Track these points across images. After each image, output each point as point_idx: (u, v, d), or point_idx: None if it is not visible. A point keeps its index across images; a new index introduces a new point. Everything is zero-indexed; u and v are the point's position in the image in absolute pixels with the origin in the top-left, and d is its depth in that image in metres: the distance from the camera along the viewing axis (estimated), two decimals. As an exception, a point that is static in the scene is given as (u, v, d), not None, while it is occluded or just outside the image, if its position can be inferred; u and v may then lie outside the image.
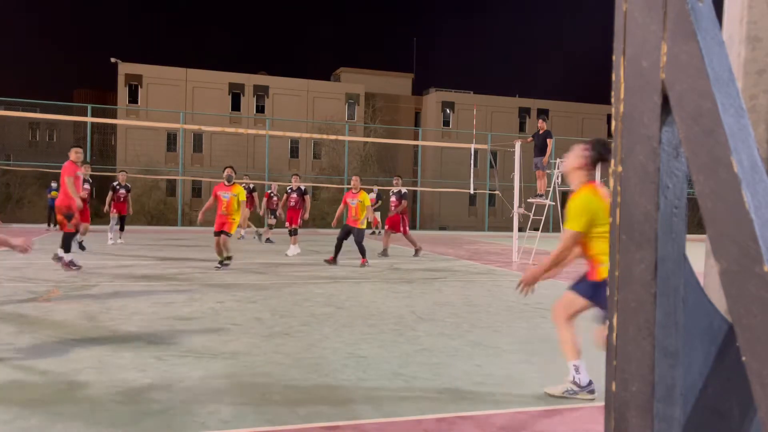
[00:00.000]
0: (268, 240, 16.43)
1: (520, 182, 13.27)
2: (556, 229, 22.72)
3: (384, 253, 13.19)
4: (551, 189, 13.67)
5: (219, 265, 9.93)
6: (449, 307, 6.92)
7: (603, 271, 3.54)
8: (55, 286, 7.74)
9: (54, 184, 21.16)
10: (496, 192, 21.80)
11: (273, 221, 16.88)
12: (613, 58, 0.91)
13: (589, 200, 3.58)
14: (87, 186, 12.43)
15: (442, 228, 38.29)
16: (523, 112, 47.34)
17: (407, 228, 13.50)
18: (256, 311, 6.38)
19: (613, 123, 0.92)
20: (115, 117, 37.02)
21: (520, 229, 13.94)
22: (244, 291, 7.75)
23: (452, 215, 43.23)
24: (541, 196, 13.36)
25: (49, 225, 20.98)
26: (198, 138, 40.99)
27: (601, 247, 3.56)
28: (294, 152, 42.90)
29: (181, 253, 12.93)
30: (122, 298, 7.01)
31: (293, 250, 12.93)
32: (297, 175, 14.02)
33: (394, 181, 14.22)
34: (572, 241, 3.56)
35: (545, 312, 6.84)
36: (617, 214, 0.90)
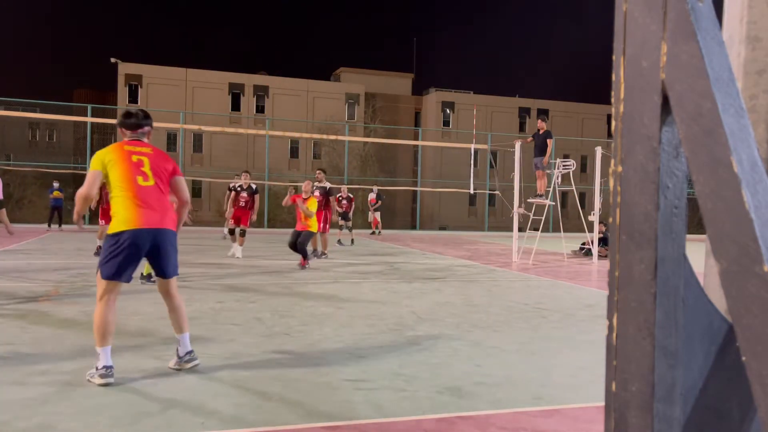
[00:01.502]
0: (339, 242, 16.67)
1: (520, 182, 13.27)
2: (556, 229, 22.75)
3: (315, 254, 12.54)
4: (551, 189, 13.68)
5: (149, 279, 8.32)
6: (449, 307, 6.93)
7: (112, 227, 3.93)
8: (55, 286, 7.74)
9: (56, 184, 21.12)
10: (496, 192, 21.81)
11: (343, 223, 17.16)
12: (613, 58, 0.91)
13: (103, 152, 4.00)
14: None
15: (442, 228, 38.29)
16: (523, 112, 47.36)
17: (327, 227, 12.93)
18: (256, 311, 6.38)
19: (613, 123, 0.92)
20: (115, 117, 36.98)
21: (520, 229, 13.94)
22: (244, 291, 7.76)
23: (452, 215, 43.24)
24: (541, 196, 13.37)
25: (49, 225, 20.96)
26: (198, 138, 41.00)
27: (114, 205, 3.93)
28: (294, 152, 42.92)
29: (181, 253, 12.90)
30: (122, 298, 7.00)
31: (239, 250, 12.27)
32: (247, 172, 13.02)
33: (317, 176, 13.18)
34: (91, 179, 3.90)
35: (545, 312, 6.85)
36: (617, 214, 0.90)
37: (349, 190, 18.31)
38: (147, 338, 5.03)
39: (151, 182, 3.96)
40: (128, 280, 3.96)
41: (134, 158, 3.96)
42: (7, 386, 3.68)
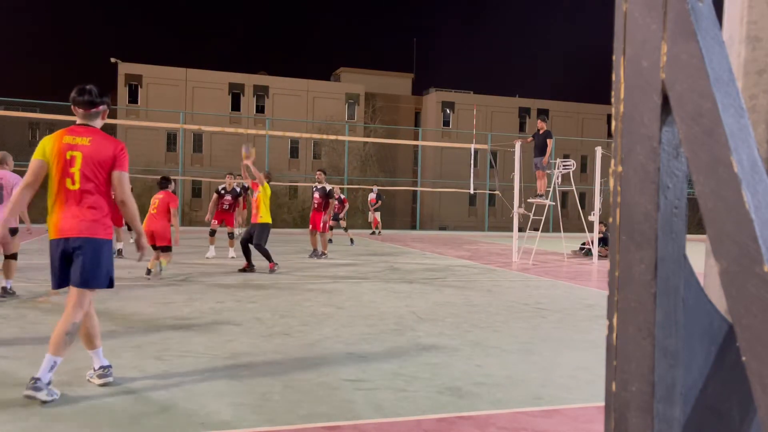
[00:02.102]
0: (330, 240, 16.77)
1: (520, 182, 13.27)
2: (556, 229, 22.75)
3: (315, 254, 12.66)
4: (551, 189, 13.68)
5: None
6: (449, 307, 6.93)
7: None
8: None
9: None
10: (496, 192, 21.79)
11: (334, 224, 17.24)
12: (613, 58, 0.91)
13: (45, 140, 3.68)
14: None
15: (442, 228, 38.28)
16: (523, 112, 47.38)
17: (327, 227, 13.01)
18: (256, 311, 6.38)
19: (613, 123, 0.92)
20: (115, 117, 37.01)
21: (520, 229, 13.94)
22: (244, 291, 7.76)
23: (452, 215, 43.24)
24: (541, 196, 13.37)
25: None
26: (198, 138, 41.01)
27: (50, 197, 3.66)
28: (294, 152, 42.93)
29: (181, 253, 12.91)
30: (122, 298, 7.01)
31: (231, 251, 12.23)
32: (231, 174, 12.77)
33: (317, 176, 13.21)
34: (34, 167, 3.62)
35: (545, 312, 6.85)
36: (617, 214, 0.90)
37: (349, 191, 18.35)
38: (147, 338, 5.03)
39: (76, 186, 3.58)
40: (60, 287, 3.72)
41: (68, 155, 3.59)
42: (7, 386, 3.68)
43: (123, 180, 3.68)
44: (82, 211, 3.59)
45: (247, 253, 9.77)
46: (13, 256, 7.08)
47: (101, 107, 3.76)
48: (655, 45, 0.85)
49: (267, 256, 9.73)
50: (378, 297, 7.58)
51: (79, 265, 3.60)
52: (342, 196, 17.49)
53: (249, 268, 9.79)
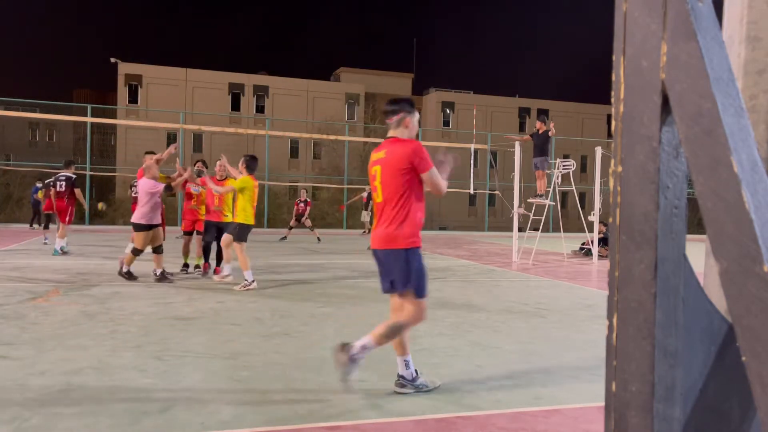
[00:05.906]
0: (318, 239, 17.98)
1: (520, 182, 13.26)
2: (556, 229, 22.74)
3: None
4: (551, 189, 13.67)
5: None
6: (449, 307, 6.92)
7: None
8: (55, 286, 7.74)
9: (39, 184, 19.31)
10: (496, 192, 21.77)
11: (295, 224, 18.62)
12: (613, 58, 0.91)
13: None
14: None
15: (442, 228, 38.27)
16: (523, 112, 47.36)
17: None
18: (256, 311, 6.38)
19: (613, 123, 0.92)
20: (115, 117, 37.02)
21: (520, 229, 13.93)
22: (244, 291, 7.75)
23: (452, 215, 43.23)
24: (541, 196, 13.36)
25: (31, 225, 19.95)
26: (198, 138, 40.98)
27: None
28: (294, 152, 42.91)
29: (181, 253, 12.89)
30: (122, 298, 7.01)
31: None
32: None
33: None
34: None
35: (545, 312, 6.84)
36: (617, 214, 0.90)
37: (350, 191, 18.60)
38: (147, 338, 5.03)
39: (379, 199, 3.79)
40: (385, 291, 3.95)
41: (372, 170, 3.82)
42: (7, 386, 3.68)
43: (430, 178, 3.66)
44: (383, 224, 3.72)
45: (207, 254, 9.35)
46: (158, 249, 8.54)
47: (394, 116, 3.75)
48: (655, 45, 0.85)
49: (207, 255, 9.32)
50: (378, 297, 7.57)
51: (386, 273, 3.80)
52: (308, 199, 18.49)
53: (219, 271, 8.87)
